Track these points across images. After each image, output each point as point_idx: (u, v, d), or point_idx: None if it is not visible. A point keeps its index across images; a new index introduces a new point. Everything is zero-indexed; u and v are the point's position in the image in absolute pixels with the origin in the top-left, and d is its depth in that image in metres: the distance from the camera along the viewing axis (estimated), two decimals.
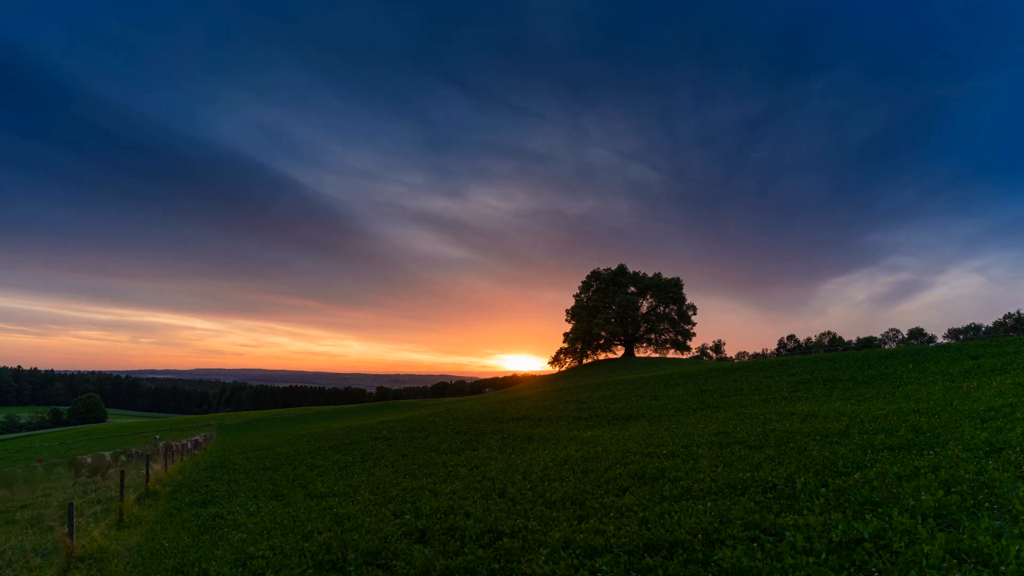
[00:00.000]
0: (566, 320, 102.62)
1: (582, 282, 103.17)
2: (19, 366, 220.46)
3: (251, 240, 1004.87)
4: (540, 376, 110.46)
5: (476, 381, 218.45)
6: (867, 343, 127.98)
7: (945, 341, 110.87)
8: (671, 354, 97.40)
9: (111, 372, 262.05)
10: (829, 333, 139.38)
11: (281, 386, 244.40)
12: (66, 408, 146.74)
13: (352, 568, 6.86)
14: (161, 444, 38.20)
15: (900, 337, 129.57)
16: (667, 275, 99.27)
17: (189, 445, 30.44)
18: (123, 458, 28.27)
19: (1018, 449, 7.48)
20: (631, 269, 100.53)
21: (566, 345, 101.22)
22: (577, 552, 6.26)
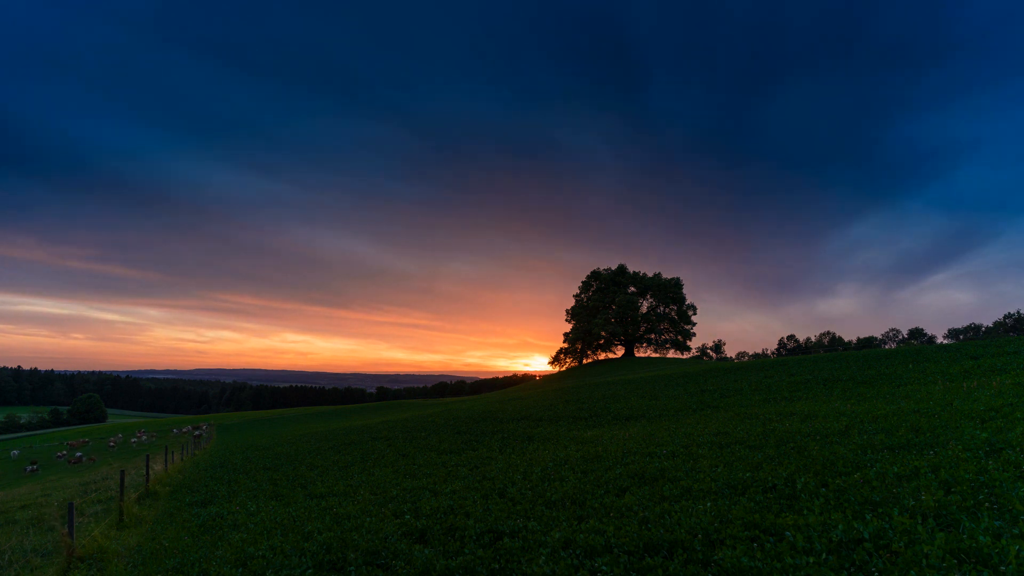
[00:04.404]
0: (566, 320, 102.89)
1: (582, 282, 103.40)
2: (19, 366, 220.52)
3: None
4: (540, 376, 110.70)
5: (476, 381, 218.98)
6: (867, 343, 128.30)
7: (945, 341, 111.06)
8: (671, 354, 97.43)
9: (111, 372, 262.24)
10: (829, 333, 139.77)
11: (281, 386, 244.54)
12: (66, 408, 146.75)
13: (352, 568, 6.86)
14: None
15: (900, 337, 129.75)
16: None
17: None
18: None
19: (1018, 449, 7.48)
20: (631, 269, 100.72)
21: (566, 345, 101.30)
22: (577, 552, 6.26)
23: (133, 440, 50.92)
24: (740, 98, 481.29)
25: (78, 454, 42.19)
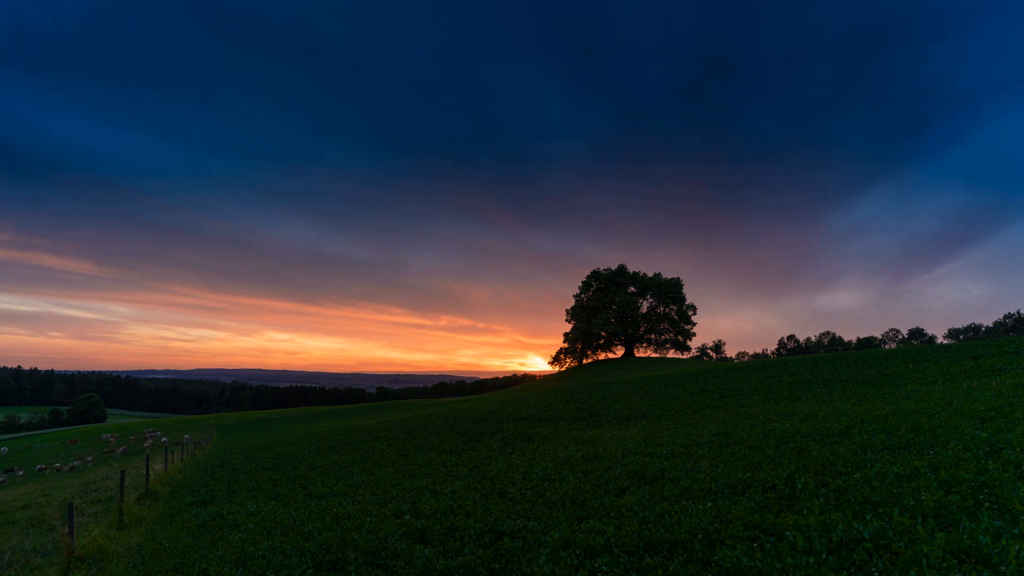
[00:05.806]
0: (566, 320, 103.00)
1: (582, 282, 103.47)
2: (19, 366, 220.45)
3: None
4: (540, 376, 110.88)
5: (476, 381, 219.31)
6: (867, 343, 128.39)
7: (945, 341, 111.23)
8: (671, 354, 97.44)
9: (111, 372, 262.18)
10: (829, 332, 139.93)
11: (281, 386, 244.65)
12: (66, 408, 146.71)
13: (352, 568, 6.86)
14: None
15: (900, 337, 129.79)
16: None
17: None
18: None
19: (1018, 449, 7.47)
20: (631, 269, 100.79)
21: (566, 345, 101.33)
22: (577, 552, 6.26)
23: (132, 437, 50.74)
24: (714, 28, 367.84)
25: (75, 460, 42.06)
